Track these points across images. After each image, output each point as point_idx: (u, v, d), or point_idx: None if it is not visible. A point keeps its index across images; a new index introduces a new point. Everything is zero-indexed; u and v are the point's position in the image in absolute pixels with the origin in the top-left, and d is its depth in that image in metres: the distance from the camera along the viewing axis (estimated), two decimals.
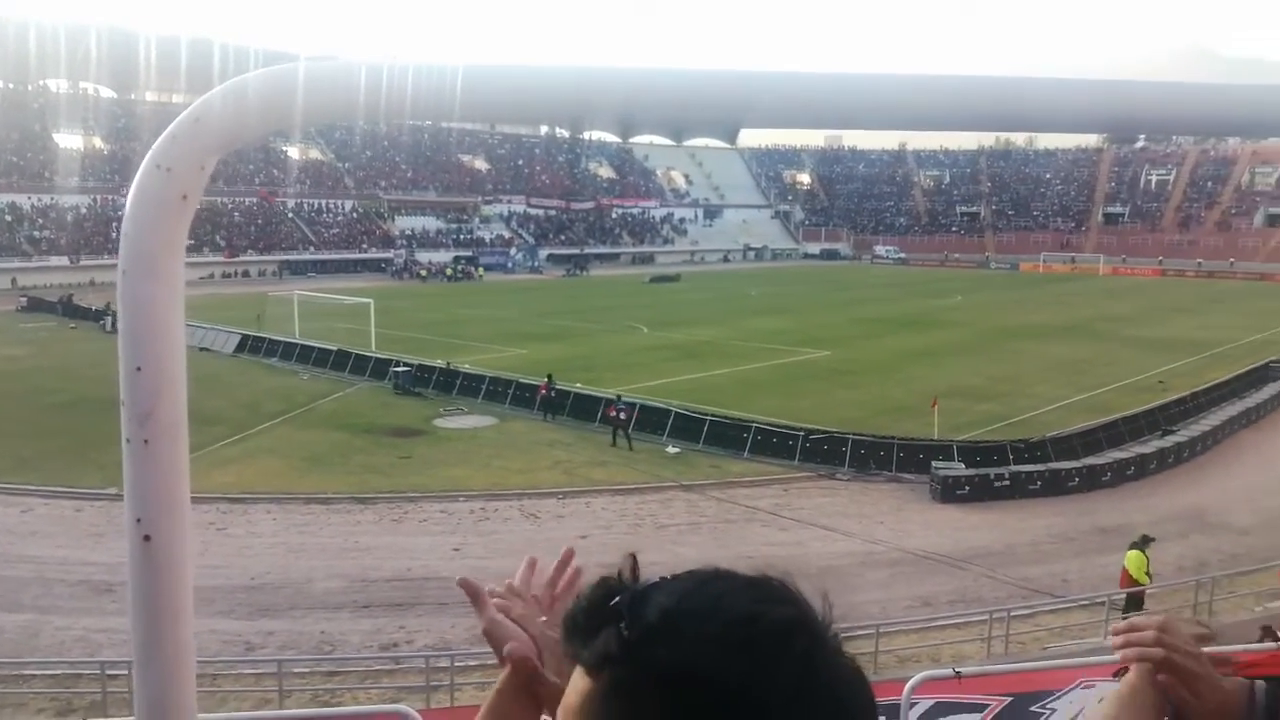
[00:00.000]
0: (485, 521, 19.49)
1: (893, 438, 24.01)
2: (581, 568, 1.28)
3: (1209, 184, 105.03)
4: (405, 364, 32.77)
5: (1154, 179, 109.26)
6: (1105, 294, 64.83)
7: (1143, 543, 15.24)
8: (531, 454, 24.60)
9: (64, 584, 16.02)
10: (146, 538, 1.03)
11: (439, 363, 33.08)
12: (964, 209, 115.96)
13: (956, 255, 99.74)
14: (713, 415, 25.99)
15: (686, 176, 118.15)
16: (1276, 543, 17.90)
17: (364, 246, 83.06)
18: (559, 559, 1.31)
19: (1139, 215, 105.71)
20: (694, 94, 1.08)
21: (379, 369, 33.52)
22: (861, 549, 18.34)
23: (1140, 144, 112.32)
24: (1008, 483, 21.95)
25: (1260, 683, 1.19)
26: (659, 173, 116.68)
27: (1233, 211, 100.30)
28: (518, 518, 19.83)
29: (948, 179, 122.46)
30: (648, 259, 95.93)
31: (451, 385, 31.31)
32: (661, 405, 27.05)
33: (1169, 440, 25.18)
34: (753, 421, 25.34)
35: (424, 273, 76.64)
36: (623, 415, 25.75)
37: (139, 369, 1.01)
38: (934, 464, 22.33)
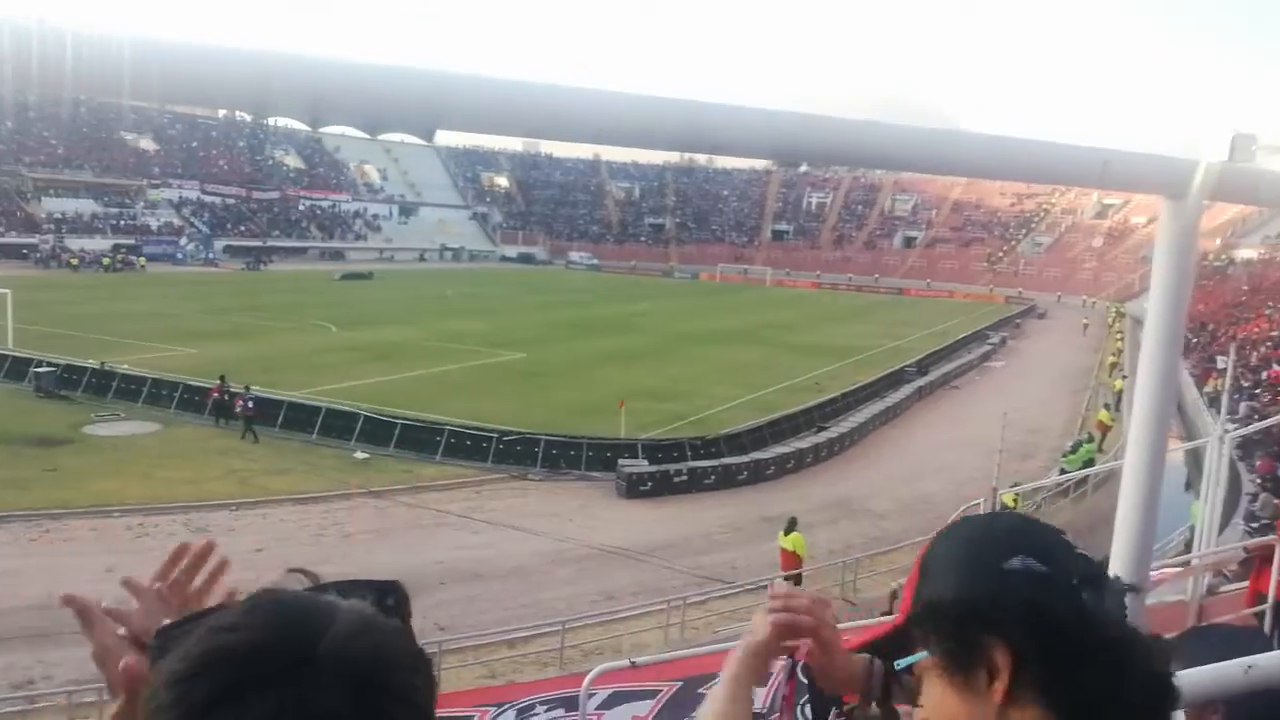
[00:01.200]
0: (144, 538, 17.70)
1: (582, 437, 24.77)
2: (228, 561, 1.14)
3: (859, 208, 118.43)
4: (49, 363, 29.04)
5: (814, 201, 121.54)
6: (772, 303, 70.99)
7: (791, 525, 16.98)
8: (201, 463, 22.70)
9: None
10: None
11: (91, 363, 29.63)
12: (652, 220, 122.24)
13: (642, 264, 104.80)
14: (404, 418, 25.41)
15: (381, 171, 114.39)
16: (909, 525, 20.52)
17: (1, 230, 72.37)
18: (197, 548, 1.13)
19: (801, 233, 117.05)
20: (383, 91, 1.05)
21: (17, 369, 29.52)
22: (551, 548, 18.74)
23: (803, 169, 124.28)
24: (686, 478, 23.40)
25: (878, 661, 1.34)
26: (352, 166, 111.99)
27: (878, 233, 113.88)
28: (183, 533, 18.15)
29: (638, 191, 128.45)
30: (338, 255, 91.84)
31: (106, 388, 28.16)
32: (349, 408, 26.04)
33: (823, 436, 28.02)
34: (446, 424, 25.09)
35: (75, 261, 68.24)
36: (250, 406, 24.92)
37: None
38: (620, 462, 23.33)
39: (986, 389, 39.35)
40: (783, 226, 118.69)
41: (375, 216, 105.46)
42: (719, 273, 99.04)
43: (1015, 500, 19.07)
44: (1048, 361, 47.69)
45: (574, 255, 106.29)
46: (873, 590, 16.78)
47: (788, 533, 16.80)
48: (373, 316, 48.23)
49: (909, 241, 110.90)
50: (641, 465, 23.43)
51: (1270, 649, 2.55)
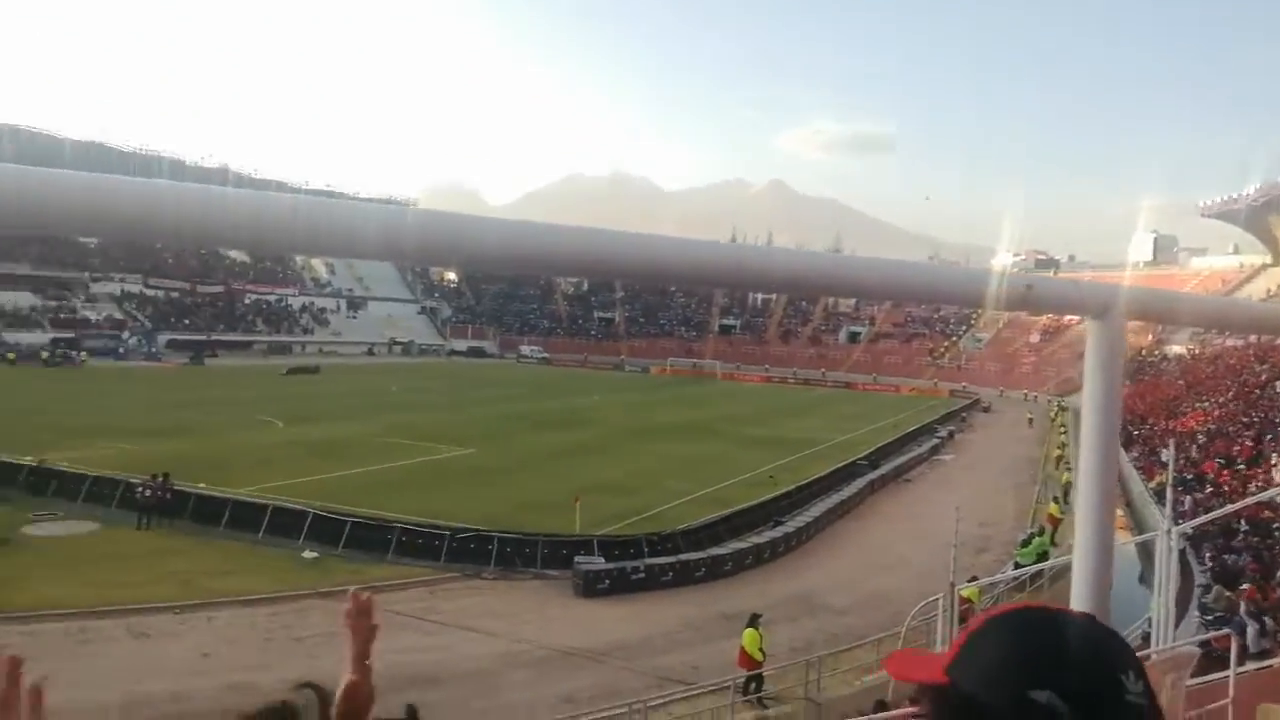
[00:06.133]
0: (86, 645, 16.92)
1: (537, 535, 24.40)
2: (43, 689, 1.06)
3: (803, 304, 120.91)
4: None
5: (760, 297, 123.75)
6: (722, 397, 71.47)
7: (753, 621, 16.84)
8: (141, 564, 21.88)
9: None
10: None
11: (28, 459, 28.68)
12: (601, 314, 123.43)
13: (593, 357, 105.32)
14: (354, 516, 24.84)
15: (329, 265, 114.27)
16: (870, 621, 20.40)
17: None
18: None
19: (748, 328, 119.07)
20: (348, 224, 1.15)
21: None
22: (507, 649, 18.27)
23: None
24: (643, 575, 23.07)
25: None
26: (298, 259, 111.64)
27: (822, 329, 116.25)
28: (124, 638, 17.45)
29: (586, 286, 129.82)
30: (284, 349, 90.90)
31: (44, 486, 27.23)
32: (297, 506, 25.42)
33: (779, 531, 27.95)
34: (396, 522, 24.56)
35: (12, 355, 66.65)
36: (150, 495, 25.21)
37: None
38: (576, 559, 22.97)
39: (937, 482, 39.77)
40: (730, 321, 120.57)
41: (322, 310, 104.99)
42: (669, 366, 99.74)
43: (976, 595, 19.12)
44: (995, 455, 48.47)
45: (524, 348, 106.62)
46: (837, 689, 16.60)
47: (747, 627, 16.68)
48: (320, 412, 47.56)
49: (853, 336, 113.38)
50: (598, 562, 23.08)
51: None
